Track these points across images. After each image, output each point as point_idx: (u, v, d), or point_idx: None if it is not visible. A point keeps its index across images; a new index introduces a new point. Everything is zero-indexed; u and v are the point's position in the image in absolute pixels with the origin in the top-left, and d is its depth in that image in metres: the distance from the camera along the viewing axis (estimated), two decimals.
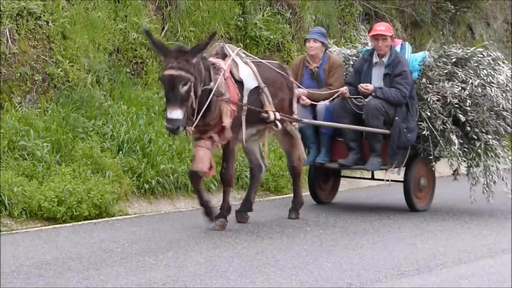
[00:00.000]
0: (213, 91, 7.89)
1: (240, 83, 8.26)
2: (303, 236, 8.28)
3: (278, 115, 8.41)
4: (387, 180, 9.50)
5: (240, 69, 8.32)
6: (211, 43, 8.33)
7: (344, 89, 9.27)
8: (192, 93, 7.72)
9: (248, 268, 6.93)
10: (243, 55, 8.54)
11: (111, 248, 7.51)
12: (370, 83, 9.33)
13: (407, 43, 9.98)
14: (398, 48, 9.58)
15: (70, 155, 9.28)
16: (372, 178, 10.21)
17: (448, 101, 9.39)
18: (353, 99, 9.28)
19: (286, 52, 13.14)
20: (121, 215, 8.97)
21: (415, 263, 7.11)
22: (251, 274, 6.73)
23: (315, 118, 9.39)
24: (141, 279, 6.50)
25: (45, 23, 10.43)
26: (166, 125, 7.76)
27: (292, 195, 9.22)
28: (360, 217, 9.15)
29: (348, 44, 11.74)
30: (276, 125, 8.43)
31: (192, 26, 12.26)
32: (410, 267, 6.99)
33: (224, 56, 8.37)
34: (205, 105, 7.84)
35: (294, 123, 8.76)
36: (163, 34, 12.05)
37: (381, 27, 9.48)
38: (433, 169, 9.72)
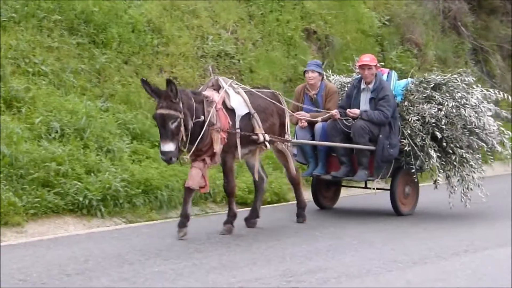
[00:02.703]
0: (206, 123, 8.13)
1: (232, 111, 8.48)
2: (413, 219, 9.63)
3: (267, 137, 8.66)
4: (374, 189, 9.83)
5: (231, 98, 8.52)
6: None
7: (335, 111, 9.67)
8: (182, 128, 7.89)
9: (389, 239, 8.31)
10: (235, 86, 8.73)
11: (284, 224, 8.91)
12: (359, 106, 9.77)
13: (393, 71, 10.34)
14: (385, 76, 9.97)
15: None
16: (365, 187, 10.59)
17: (427, 120, 9.81)
18: (344, 120, 9.72)
19: None
20: (294, 201, 9.75)
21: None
22: (391, 243, 8.13)
23: (313, 136, 9.85)
24: (310, 246, 7.76)
25: (237, 61, 12.54)
26: (160, 157, 7.97)
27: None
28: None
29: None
30: (266, 146, 8.71)
31: (344, 61, 13.90)
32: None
33: (218, 87, 8.58)
34: (200, 136, 8.07)
35: (288, 144, 9.16)
36: (322, 67, 13.22)
37: (366, 58, 9.80)
38: (415, 179, 10.03)
